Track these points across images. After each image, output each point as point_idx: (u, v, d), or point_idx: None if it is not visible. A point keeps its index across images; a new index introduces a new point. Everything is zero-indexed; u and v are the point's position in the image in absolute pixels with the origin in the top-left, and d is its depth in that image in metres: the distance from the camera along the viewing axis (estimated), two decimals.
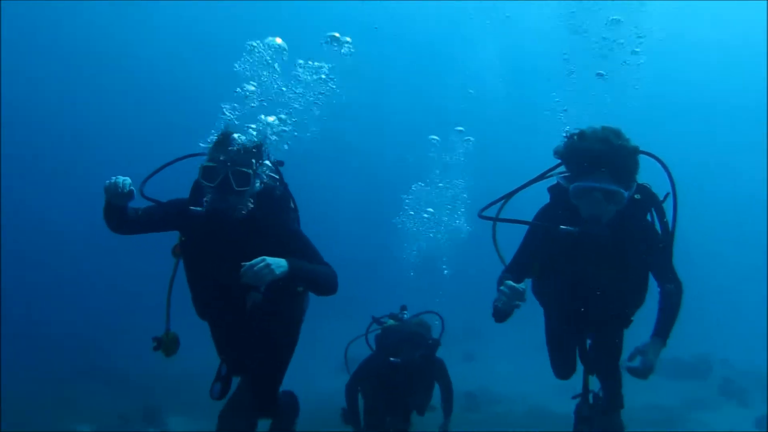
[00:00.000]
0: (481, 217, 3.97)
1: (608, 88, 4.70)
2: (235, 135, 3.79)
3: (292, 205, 4.25)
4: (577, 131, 3.55)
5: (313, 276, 3.83)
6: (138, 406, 11.07)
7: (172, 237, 4.25)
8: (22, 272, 23.73)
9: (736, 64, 31.57)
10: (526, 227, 3.96)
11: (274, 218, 3.92)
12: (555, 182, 3.87)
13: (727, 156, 34.09)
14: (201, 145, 3.93)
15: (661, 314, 3.85)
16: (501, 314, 3.59)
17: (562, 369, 4.54)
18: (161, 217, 3.96)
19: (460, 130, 7.47)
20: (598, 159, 3.40)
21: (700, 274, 29.56)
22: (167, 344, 4.15)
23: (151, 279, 4.22)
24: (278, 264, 3.47)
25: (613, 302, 3.85)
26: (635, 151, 3.50)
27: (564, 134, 3.62)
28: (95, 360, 15.04)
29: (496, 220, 3.96)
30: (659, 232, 3.81)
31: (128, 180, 3.63)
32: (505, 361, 15.79)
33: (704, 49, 30.56)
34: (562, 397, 5.76)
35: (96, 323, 18.73)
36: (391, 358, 5.63)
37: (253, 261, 3.41)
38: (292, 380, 5.37)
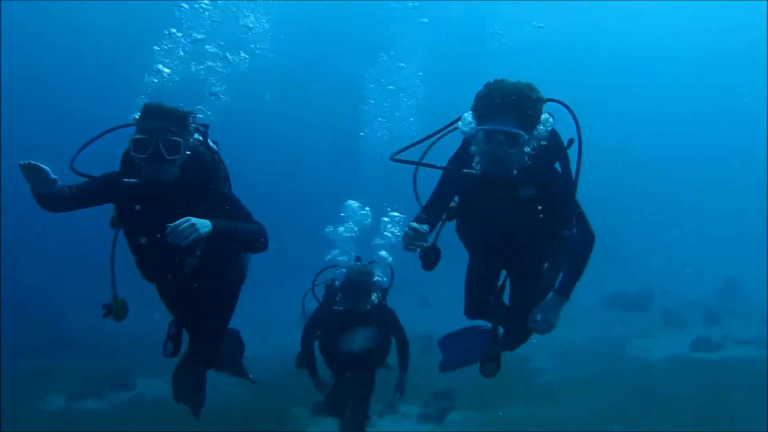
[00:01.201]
0: (393, 160, 3.98)
1: None
2: (161, 104, 3.86)
3: (222, 168, 4.30)
4: (491, 80, 3.60)
5: (242, 233, 3.93)
6: (107, 372, 11.31)
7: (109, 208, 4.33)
8: None
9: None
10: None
11: (204, 182, 4.00)
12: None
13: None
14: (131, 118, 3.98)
15: (565, 269, 3.91)
16: (423, 261, 3.77)
17: (475, 307, 4.61)
18: (95, 191, 4.01)
19: None
20: (502, 103, 3.49)
21: (643, 212, 30.89)
22: (116, 310, 4.21)
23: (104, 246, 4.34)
24: (203, 224, 3.56)
25: (521, 246, 3.88)
26: (539, 99, 3.56)
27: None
28: (60, 331, 15.14)
29: (404, 162, 3.96)
30: (563, 179, 3.81)
31: (46, 168, 3.65)
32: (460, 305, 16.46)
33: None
34: None
35: (54, 295, 18.82)
36: (335, 307, 5.68)
37: (177, 222, 3.49)
38: (251, 334, 5.74)
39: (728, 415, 7.95)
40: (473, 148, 3.72)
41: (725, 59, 32.77)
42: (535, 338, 4.61)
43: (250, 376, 5.53)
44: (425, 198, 4.10)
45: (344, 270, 5.91)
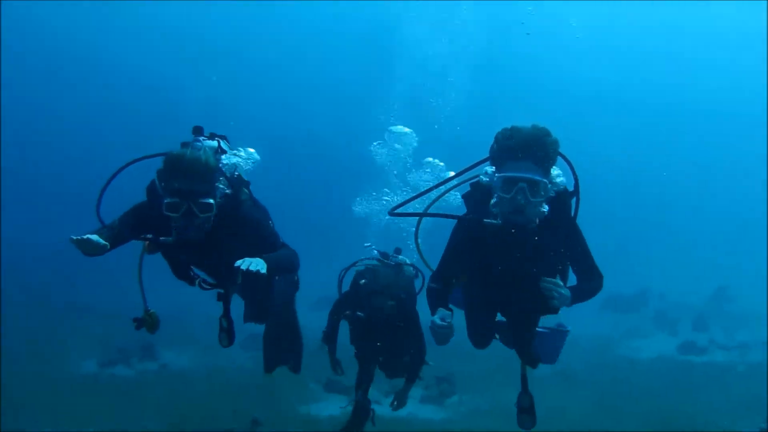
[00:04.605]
0: (392, 214, 3.95)
1: None
2: (188, 156, 3.83)
3: (247, 190, 4.44)
4: (508, 127, 3.57)
5: (283, 264, 4.15)
6: (134, 340, 11.86)
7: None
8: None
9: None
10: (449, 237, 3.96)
11: (237, 228, 4.13)
12: (468, 189, 3.99)
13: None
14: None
15: (577, 287, 3.79)
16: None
17: (480, 339, 4.54)
18: (131, 231, 4.04)
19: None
20: (523, 150, 3.46)
21: (645, 215, 31.27)
22: (149, 323, 4.38)
23: None
24: (258, 264, 3.72)
25: (532, 293, 3.66)
26: (556, 143, 3.55)
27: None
28: (85, 297, 16.05)
29: (407, 215, 3.99)
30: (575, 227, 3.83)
31: (98, 240, 3.63)
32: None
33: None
34: None
35: (81, 261, 19.59)
36: (358, 312, 5.54)
37: (240, 264, 3.67)
38: None
39: (698, 413, 8.74)
40: (494, 198, 3.64)
41: (727, 61, 32.79)
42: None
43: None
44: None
45: (376, 262, 5.82)
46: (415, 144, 6.85)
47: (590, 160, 4.05)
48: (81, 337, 12.54)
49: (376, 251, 6.01)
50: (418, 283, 5.82)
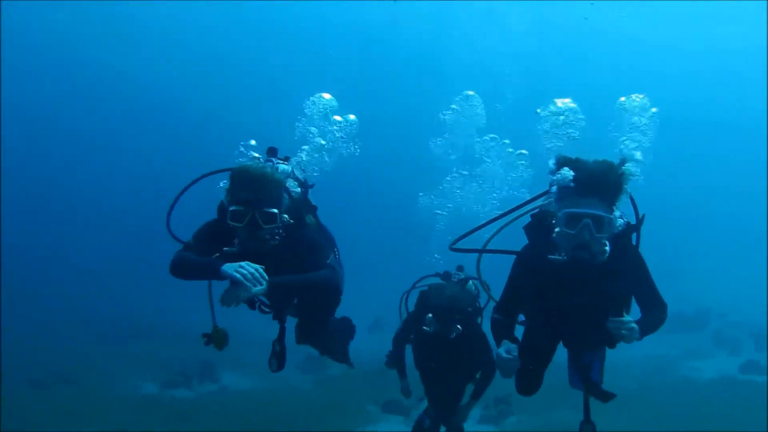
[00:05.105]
0: (453, 249, 4.00)
1: None
2: (253, 168, 3.93)
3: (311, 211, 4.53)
4: (572, 158, 3.55)
5: (304, 284, 4.05)
6: (193, 363, 12.36)
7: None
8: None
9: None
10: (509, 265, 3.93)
11: (298, 249, 4.14)
12: (530, 221, 3.96)
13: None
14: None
15: (643, 320, 3.71)
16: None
17: (527, 385, 4.31)
18: (209, 249, 4.08)
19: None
20: (588, 185, 3.44)
21: (708, 234, 30.50)
22: (217, 339, 4.31)
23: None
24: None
25: (596, 327, 3.63)
26: (623, 177, 3.50)
27: (556, 160, 3.62)
28: (148, 319, 16.53)
29: (469, 251, 4.00)
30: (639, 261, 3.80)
31: (259, 272, 3.68)
32: None
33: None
34: None
35: (144, 283, 19.83)
36: (424, 327, 5.39)
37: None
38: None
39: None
40: (556, 233, 3.61)
41: None
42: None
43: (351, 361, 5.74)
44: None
45: (439, 280, 5.75)
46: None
47: (643, 171, 3.89)
48: (142, 360, 12.97)
49: (438, 272, 5.96)
50: (482, 300, 5.73)
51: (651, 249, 3.94)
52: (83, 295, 18.54)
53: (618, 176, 3.49)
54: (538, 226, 3.87)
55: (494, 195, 6.39)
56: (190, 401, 11.18)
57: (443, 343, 5.37)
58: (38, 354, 12.56)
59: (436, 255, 6.19)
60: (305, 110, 4.93)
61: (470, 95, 6.67)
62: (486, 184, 6.63)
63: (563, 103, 4.29)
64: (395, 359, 6.12)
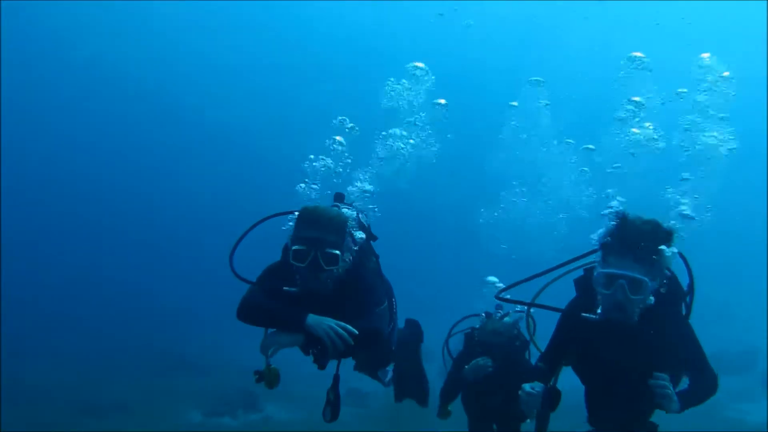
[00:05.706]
0: (498, 298, 4.14)
1: None
2: (320, 208, 3.99)
3: (374, 258, 4.54)
4: (624, 214, 3.55)
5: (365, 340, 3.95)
6: (236, 393, 12.56)
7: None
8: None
9: None
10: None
11: (356, 294, 4.09)
12: (582, 275, 3.93)
13: None
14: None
15: (688, 390, 3.67)
16: (544, 402, 3.61)
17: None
18: (276, 291, 4.08)
19: None
20: (628, 246, 3.42)
21: (757, 269, 29.73)
22: (269, 378, 4.23)
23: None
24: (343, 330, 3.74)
25: (637, 390, 3.58)
26: (665, 241, 3.45)
27: (609, 219, 3.63)
28: (191, 349, 16.95)
29: (513, 302, 4.12)
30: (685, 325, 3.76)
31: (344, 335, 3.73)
32: None
33: None
34: None
35: (190, 316, 20.80)
36: (466, 366, 5.41)
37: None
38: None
39: None
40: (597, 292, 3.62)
41: None
42: None
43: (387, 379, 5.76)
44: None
45: (482, 319, 5.70)
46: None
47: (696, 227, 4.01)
48: (188, 390, 13.26)
49: (481, 313, 5.81)
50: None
51: (697, 284, 3.89)
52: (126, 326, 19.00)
53: (657, 237, 3.46)
54: (585, 283, 3.85)
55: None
56: (235, 429, 11.47)
57: (496, 372, 5.32)
58: (90, 383, 13.09)
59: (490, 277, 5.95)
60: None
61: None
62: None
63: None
64: (449, 395, 5.96)
